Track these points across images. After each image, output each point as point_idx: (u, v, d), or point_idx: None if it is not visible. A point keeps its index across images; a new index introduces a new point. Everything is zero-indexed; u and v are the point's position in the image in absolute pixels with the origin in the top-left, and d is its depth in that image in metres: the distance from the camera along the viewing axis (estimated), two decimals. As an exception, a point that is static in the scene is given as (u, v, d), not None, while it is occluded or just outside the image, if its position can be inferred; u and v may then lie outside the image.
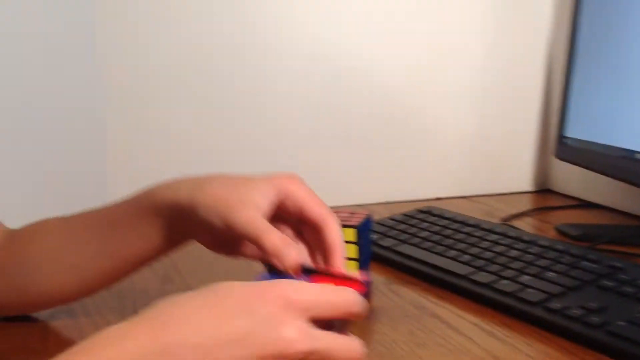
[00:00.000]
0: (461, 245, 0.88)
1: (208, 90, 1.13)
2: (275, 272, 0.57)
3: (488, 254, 0.84)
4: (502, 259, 0.82)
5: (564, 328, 0.68)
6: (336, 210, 0.82)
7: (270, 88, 1.15)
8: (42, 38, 0.99)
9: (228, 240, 0.63)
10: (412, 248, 0.89)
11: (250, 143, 1.15)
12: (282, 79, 1.15)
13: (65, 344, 0.68)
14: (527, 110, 1.26)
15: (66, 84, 1.02)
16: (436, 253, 0.86)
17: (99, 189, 1.10)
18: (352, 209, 0.84)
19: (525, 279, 0.77)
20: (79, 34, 1.04)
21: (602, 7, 1.03)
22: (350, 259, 0.79)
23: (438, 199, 1.21)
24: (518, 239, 0.88)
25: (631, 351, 0.62)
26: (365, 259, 0.82)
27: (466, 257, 0.84)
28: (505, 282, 0.76)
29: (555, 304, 0.70)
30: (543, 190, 1.28)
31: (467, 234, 0.92)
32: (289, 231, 0.64)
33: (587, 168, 1.07)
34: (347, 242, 0.78)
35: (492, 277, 0.78)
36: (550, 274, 0.77)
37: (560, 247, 0.84)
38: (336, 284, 0.53)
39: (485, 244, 0.87)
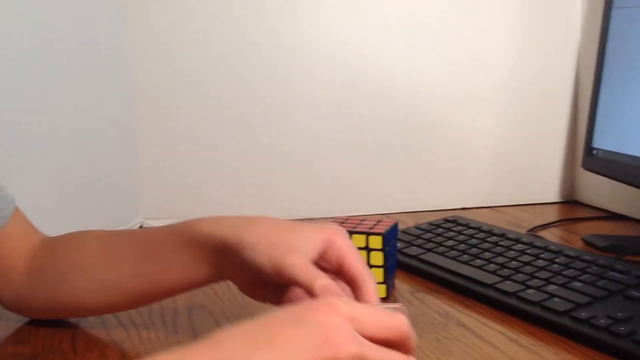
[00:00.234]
0: (487, 255, 0.88)
1: (235, 100, 1.14)
2: None
3: (514, 264, 0.84)
4: (528, 269, 0.82)
5: (591, 337, 0.67)
6: (363, 217, 0.83)
7: (296, 96, 1.16)
8: (74, 51, 1.00)
9: (264, 284, 0.63)
10: (438, 257, 0.89)
11: (277, 152, 1.16)
12: (308, 88, 1.16)
13: (93, 345, 0.70)
14: (555, 120, 1.25)
15: (98, 95, 1.04)
16: (462, 262, 0.86)
17: (131, 199, 1.11)
18: (379, 217, 0.84)
19: (551, 288, 0.76)
20: (111, 46, 1.06)
21: (633, 16, 1.02)
22: (376, 266, 0.80)
23: (464, 209, 1.21)
24: (545, 249, 0.88)
25: (659, 361, 0.62)
26: (391, 266, 0.82)
27: (492, 266, 0.84)
28: (531, 291, 0.76)
29: (582, 314, 0.70)
30: (570, 201, 1.27)
31: (494, 243, 0.91)
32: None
33: (614, 179, 1.06)
34: (374, 249, 0.79)
35: (518, 287, 0.78)
36: (577, 284, 0.77)
37: (587, 257, 0.84)
38: None
39: (511, 254, 0.87)
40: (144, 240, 0.70)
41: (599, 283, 0.77)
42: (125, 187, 1.11)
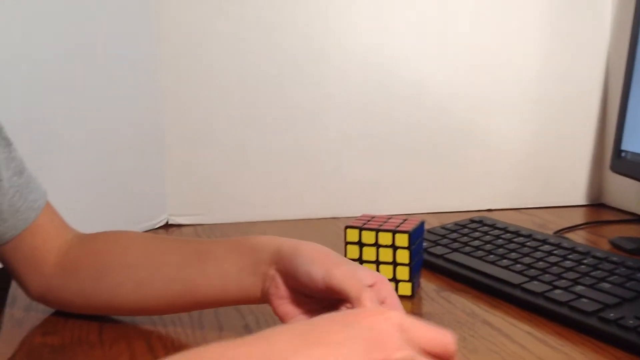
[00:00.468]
0: (514, 255, 0.87)
1: (263, 101, 1.14)
2: None
3: (541, 264, 0.83)
4: (555, 269, 0.82)
5: (619, 338, 0.67)
6: (389, 216, 0.83)
7: (325, 98, 1.16)
8: (105, 54, 1.02)
9: (304, 301, 0.64)
10: (464, 256, 0.89)
11: (304, 152, 1.16)
12: (337, 89, 1.16)
13: (120, 337, 0.70)
14: (583, 122, 1.24)
15: (128, 97, 1.05)
16: (489, 262, 0.86)
17: (158, 196, 1.12)
18: (405, 216, 0.84)
19: (579, 289, 0.76)
20: (141, 49, 1.07)
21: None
22: (402, 264, 0.79)
23: (489, 210, 1.20)
24: (572, 250, 0.87)
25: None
26: (417, 264, 0.82)
27: (519, 267, 0.83)
28: (559, 291, 0.76)
29: (610, 314, 0.69)
30: (597, 204, 1.26)
31: (520, 244, 0.91)
32: None
33: (643, 182, 1.05)
34: (400, 247, 0.79)
35: (545, 287, 0.77)
36: (606, 285, 0.76)
37: (615, 259, 0.83)
38: None
39: (538, 254, 0.87)
40: (190, 247, 0.71)
41: (628, 284, 0.76)
42: (153, 185, 1.12)
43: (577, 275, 0.79)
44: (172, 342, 0.70)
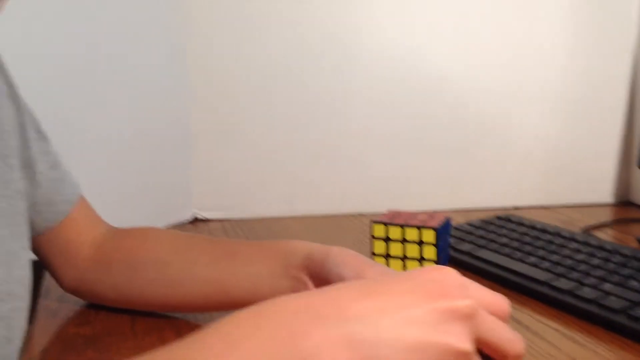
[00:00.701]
0: (541, 252, 0.87)
1: (287, 97, 1.15)
2: None
3: (569, 262, 0.83)
4: (583, 267, 0.82)
5: (648, 336, 0.67)
6: (415, 212, 0.84)
7: (348, 94, 1.16)
8: (134, 52, 1.03)
9: None
10: (490, 253, 0.89)
11: (328, 148, 1.17)
12: (360, 85, 1.16)
13: (151, 329, 0.71)
14: (610, 119, 1.24)
15: (156, 94, 1.07)
16: (516, 259, 0.86)
17: (184, 191, 1.14)
18: (431, 213, 0.84)
19: (607, 286, 0.76)
20: (169, 46, 1.08)
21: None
22: (428, 260, 0.80)
23: (515, 208, 1.20)
24: (600, 248, 0.87)
25: None
26: (443, 260, 0.82)
27: (547, 264, 0.83)
28: (587, 289, 0.76)
29: (639, 312, 0.69)
30: (624, 202, 1.25)
31: (548, 241, 0.91)
32: None
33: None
34: (426, 243, 0.80)
35: (573, 284, 0.77)
36: (634, 283, 0.76)
37: (643, 257, 0.83)
38: None
39: (566, 252, 0.87)
40: (222, 247, 0.72)
41: (656, 282, 0.76)
42: (180, 180, 1.13)
43: (604, 272, 0.79)
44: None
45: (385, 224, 0.81)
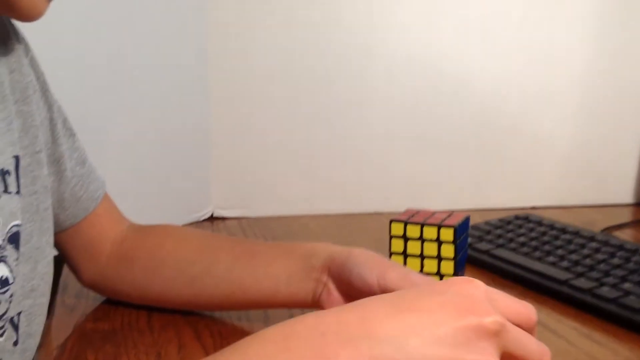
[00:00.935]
0: (560, 252, 0.87)
1: (309, 97, 1.15)
2: None
3: (588, 261, 0.83)
4: (603, 266, 0.81)
5: (669, 336, 0.66)
6: (434, 210, 0.83)
7: (371, 93, 1.16)
8: (155, 52, 1.03)
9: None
10: (509, 252, 0.88)
11: (349, 148, 1.17)
12: (383, 85, 1.16)
13: (168, 324, 0.72)
14: (630, 120, 1.23)
15: (176, 93, 1.07)
16: (534, 258, 0.85)
17: (204, 189, 1.14)
18: (450, 212, 0.84)
19: (627, 286, 0.75)
20: (190, 46, 1.09)
21: None
22: (447, 258, 0.79)
23: (534, 207, 1.19)
24: (620, 248, 0.86)
25: None
26: (462, 259, 0.82)
27: (566, 263, 0.83)
28: (606, 288, 0.75)
29: (660, 312, 0.69)
30: (644, 203, 1.24)
31: (567, 241, 0.90)
32: None
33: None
34: (445, 241, 0.79)
35: (592, 284, 0.77)
36: (654, 283, 0.75)
37: (664, 257, 0.82)
38: None
39: (585, 252, 0.86)
40: (243, 247, 0.72)
41: (677, 283, 0.75)
42: (199, 179, 1.14)
43: (624, 272, 0.79)
44: (219, 331, 0.71)
45: (404, 222, 0.81)
